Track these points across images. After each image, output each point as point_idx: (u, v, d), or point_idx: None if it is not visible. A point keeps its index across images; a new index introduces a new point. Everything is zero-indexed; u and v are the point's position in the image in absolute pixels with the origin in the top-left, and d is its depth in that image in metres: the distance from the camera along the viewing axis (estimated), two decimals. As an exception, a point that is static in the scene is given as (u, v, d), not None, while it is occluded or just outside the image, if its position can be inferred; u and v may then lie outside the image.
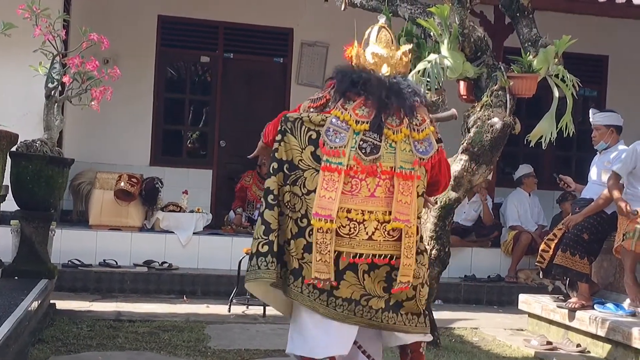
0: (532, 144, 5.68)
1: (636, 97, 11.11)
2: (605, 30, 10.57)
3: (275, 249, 3.45)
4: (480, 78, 5.80)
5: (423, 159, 3.54)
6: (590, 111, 6.79)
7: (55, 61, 6.37)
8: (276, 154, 3.51)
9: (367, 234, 3.42)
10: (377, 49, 3.72)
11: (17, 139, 5.79)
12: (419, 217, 3.53)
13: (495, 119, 5.58)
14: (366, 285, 3.45)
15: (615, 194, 6.13)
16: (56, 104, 6.45)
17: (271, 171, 3.52)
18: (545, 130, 5.57)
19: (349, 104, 3.55)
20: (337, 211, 3.39)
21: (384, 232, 3.43)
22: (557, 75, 5.55)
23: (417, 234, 3.53)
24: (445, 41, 5.60)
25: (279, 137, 3.52)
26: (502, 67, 5.72)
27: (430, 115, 3.72)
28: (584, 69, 10.08)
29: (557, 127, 5.55)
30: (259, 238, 3.46)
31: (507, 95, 5.63)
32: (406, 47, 3.82)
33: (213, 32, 10.40)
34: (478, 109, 5.70)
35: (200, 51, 10.53)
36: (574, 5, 9.25)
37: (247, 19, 10.26)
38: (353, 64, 3.74)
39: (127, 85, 8.74)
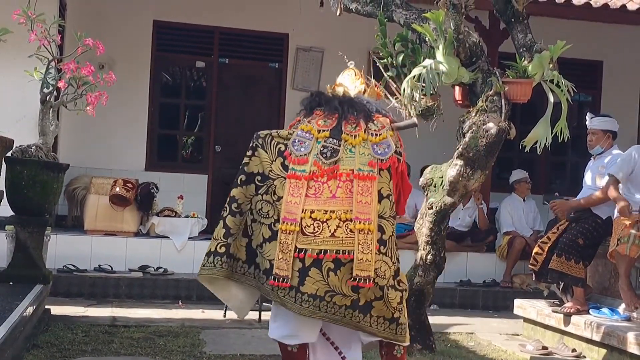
0: (527, 149, 5.69)
1: (630, 102, 11.17)
2: (600, 35, 10.62)
3: (230, 250, 3.86)
4: (475, 83, 5.81)
5: (382, 160, 3.81)
6: (587, 115, 6.80)
7: (50, 66, 6.36)
8: (245, 168, 3.90)
9: (330, 231, 3.70)
10: (340, 80, 4.22)
11: (12, 144, 5.80)
12: (384, 218, 3.74)
13: (491, 124, 5.58)
14: (330, 282, 3.68)
15: (613, 192, 6.13)
16: (51, 109, 6.45)
17: (238, 182, 3.89)
18: (540, 135, 5.58)
19: (314, 119, 3.95)
20: (303, 212, 3.71)
21: (346, 230, 3.70)
22: (551, 81, 5.57)
23: (385, 232, 3.74)
24: (441, 46, 5.60)
25: (249, 153, 3.92)
26: (497, 73, 5.73)
27: (392, 124, 4.01)
28: (578, 74, 10.10)
29: (552, 132, 5.56)
30: (218, 239, 3.88)
31: (502, 101, 5.63)
32: (369, 85, 4.24)
33: (208, 37, 10.41)
34: (473, 114, 5.71)
35: (196, 56, 10.54)
36: (568, 11, 9.27)
37: (243, 24, 10.28)
38: None
39: (122, 90, 8.74)
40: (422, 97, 5.58)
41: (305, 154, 3.80)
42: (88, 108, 6.45)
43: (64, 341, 5.65)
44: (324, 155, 3.80)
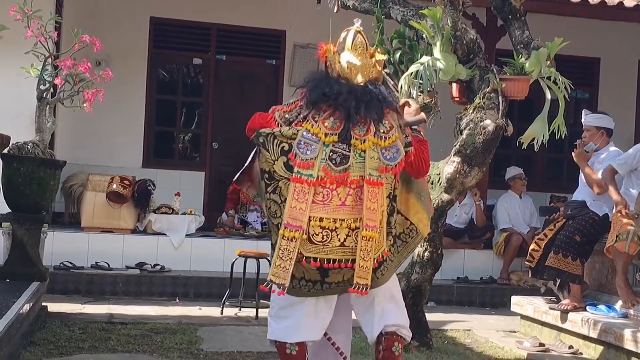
0: (524, 146, 5.69)
1: (627, 99, 11.17)
2: (597, 32, 10.61)
3: None
4: (472, 80, 5.81)
5: (390, 166, 3.67)
6: (583, 112, 6.82)
7: (47, 63, 6.35)
8: (260, 166, 3.73)
9: (339, 240, 3.59)
10: (352, 58, 3.81)
11: (9, 141, 5.79)
12: (391, 215, 3.72)
13: (488, 121, 5.59)
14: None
15: (615, 196, 6.12)
16: (48, 106, 6.43)
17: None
18: (537, 132, 5.58)
19: (319, 116, 3.71)
20: (310, 220, 3.56)
21: (355, 238, 3.59)
22: (549, 78, 5.56)
23: (387, 236, 3.69)
24: (438, 43, 5.60)
25: (257, 150, 3.76)
26: (494, 70, 5.73)
27: (400, 120, 3.83)
28: (575, 71, 10.11)
29: (549, 129, 5.56)
30: None
31: (500, 98, 5.63)
32: (380, 56, 3.91)
33: (205, 33, 10.40)
34: (470, 111, 5.71)
35: (193, 53, 10.52)
36: (565, 8, 9.27)
37: (240, 20, 10.26)
38: (326, 65, 3.86)
39: (119, 87, 8.72)
40: (419, 94, 5.57)
41: (312, 158, 3.60)
42: (85, 105, 6.44)
43: (61, 338, 5.65)
44: (334, 162, 3.62)
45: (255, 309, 7.06)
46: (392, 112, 3.77)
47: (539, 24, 7.13)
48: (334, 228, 3.57)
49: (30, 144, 6.25)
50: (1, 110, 8.02)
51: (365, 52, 3.84)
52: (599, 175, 6.42)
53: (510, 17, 5.91)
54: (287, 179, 3.62)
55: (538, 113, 5.64)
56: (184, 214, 8.82)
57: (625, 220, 5.96)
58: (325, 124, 3.68)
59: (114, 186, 8.55)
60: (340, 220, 3.58)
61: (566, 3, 9.15)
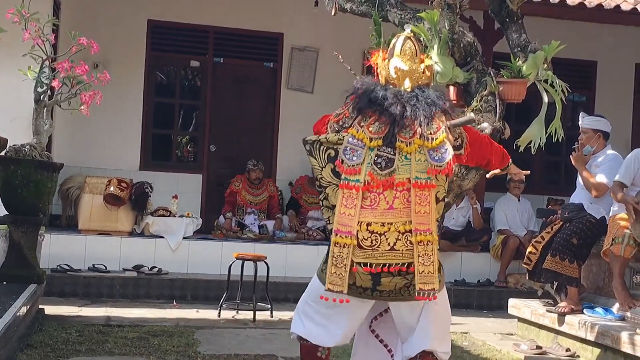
0: (521, 149, 5.69)
1: (624, 103, 11.19)
2: (594, 35, 10.64)
3: None
4: (469, 83, 5.81)
5: (439, 167, 3.62)
6: (580, 114, 6.83)
7: (44, 65, 6.34)
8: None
9: (388, 244, 3.54)
10: (400, 63, 3.82)
11: (6, 144, 5.80)
12: (437, 221, 3.65)
13: (485, 124, 5.58)
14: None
15: (620, 197, 6.07)
16: (45, 109, 6.43)
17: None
18: (534, 135, 5.58)
19: (364, 121, 3.70)
20: (358, 225, 3.54)
21: (405, 242, 3.54)
22: (546, 81, 5.57)
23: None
24: (435, 46, 5.60)
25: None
26: (491, 73, 5.73)
27: (448, 122, 3.79)
28: (573, 74, 10.12)
29: (546, 132, 5.57)
30: None
31: (497, 101, 5.63)
32: (429, 61, 3.92)
33: (203, 36, 10.40)
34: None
35: (190, 55, 10.53)
36: (563, 11, 9.30)
37: (237, 23, 10.28)
38: (376, 72, 3.89)
39: (116, 89, 8.73)
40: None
41: (358, 164, 3.60)
42: (82, 107, 6.43)
43: (58, 341, 5.64)
44: (379, 166, 3.60)
45: (252, 312, 7.06)
46: (440, 115, 3.75)
47: (536, 27, 7.14)
48: (382, 232, 3.53)
49: (27, 147, 6.25)
50: (-2, 112, 8.02)
51: (414, 58, 3.84)
52: (597, 179, 6.42)
53: (507, 20, 5.91)
54: (335, 185, 3.64)
55: (535, 116, 5.64)
56: (182, 216, 8.82)
57: (622, 223, 5.97)
58: (370, 128, 3.67)
59: (112, 189, 8.55)
60: (388, 224, 3.54)
61: (563, 6, 9.18)
